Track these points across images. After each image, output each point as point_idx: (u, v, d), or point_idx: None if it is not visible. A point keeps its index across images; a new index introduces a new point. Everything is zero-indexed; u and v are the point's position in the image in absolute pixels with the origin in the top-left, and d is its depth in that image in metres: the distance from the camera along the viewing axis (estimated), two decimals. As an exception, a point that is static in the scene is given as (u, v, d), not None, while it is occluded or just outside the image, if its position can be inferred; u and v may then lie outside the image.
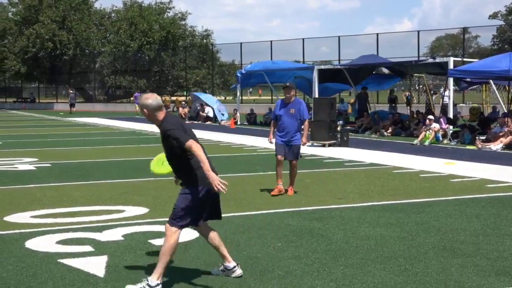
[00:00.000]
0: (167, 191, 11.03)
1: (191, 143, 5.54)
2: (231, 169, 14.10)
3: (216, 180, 5.46)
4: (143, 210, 9.42)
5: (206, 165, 5.50)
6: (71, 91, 56.51)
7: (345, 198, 10.40)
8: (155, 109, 5.71)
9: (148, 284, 5.53)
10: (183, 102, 43.60)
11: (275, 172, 11.09)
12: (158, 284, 5.54)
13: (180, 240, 7.25)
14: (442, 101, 29.27)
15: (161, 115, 5.72)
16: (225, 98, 62.72)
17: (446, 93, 30.74)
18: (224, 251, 6.07)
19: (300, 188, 11.39)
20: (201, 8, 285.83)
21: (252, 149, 19.09)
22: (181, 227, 5.65)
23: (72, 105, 53.21)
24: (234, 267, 6.03)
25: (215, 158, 17.14)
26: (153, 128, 30.19)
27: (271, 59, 48.26)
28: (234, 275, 6.01)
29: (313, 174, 13.51)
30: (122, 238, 7.59)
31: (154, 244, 7.31)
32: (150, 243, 7.35)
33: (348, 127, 25.24)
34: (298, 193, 10.89)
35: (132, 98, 54.07)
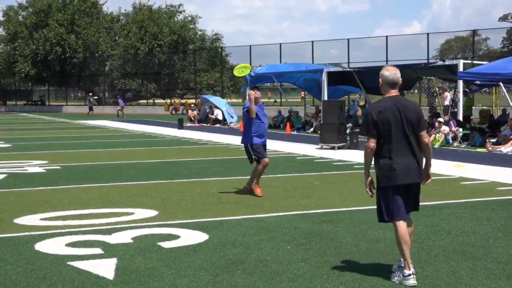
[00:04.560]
0: (176, 194, 11.01)
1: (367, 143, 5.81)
2: (240, 171, 14.03)
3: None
4: (152, 213, 9.39)
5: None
6: (89, 96, 57.34)
7: (354, 201, 10.31)
8: (386, 83, 5.90)
9: (402, 274, 5.78)
10: (193, 105, 43.49)
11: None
12: (409, 274, 5.75)
13: (190, 243, 7.23)
14: (452, 104, 29.17)
15: (391, 92, 5.89)
16: (224, 98, 61.32)
17: (447, 94, 30.55)
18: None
19: (310, 191, 11.35)
20: (210, 10, 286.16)
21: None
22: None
23: (90, 108, 54.44)
24: (409, 275, 5.82)
25: (224, 160, 17.18)
26: (164, 131, 30.23)
27: (280, 62, 48.00)
28: (406, 283, 5.78)
29: (322, 177, 13.48)
30: (132, 241, 7.55)
31: (163, 246, 7.27)
32: (160, 245, 7.31)
33: (357, 130, 25.07)
34: (308, 196, 10.83)
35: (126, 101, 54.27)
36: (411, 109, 5.86)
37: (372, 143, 5.78)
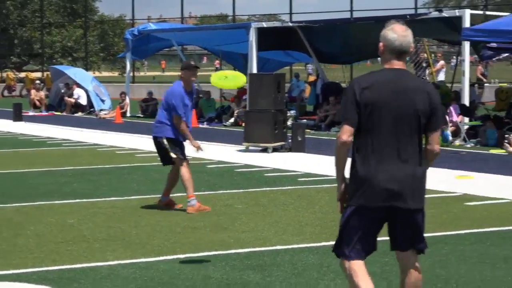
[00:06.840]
0: (10, 227, 8.24)
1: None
2: (114, 190, 10.93)
3: None
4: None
5: None
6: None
7: (298, 234, 8.25)
8: (390, 50, 4.71)
9: None
10: (38, 82, 33.48)
11: (178, 194, 9.34)
12: None
13: None
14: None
15: (393, 64, 4.74)
16: (89, 71, 39.80)
17: (443, 64, 26.10)
18: None
19: (227, 219, 8.95)
20: None
21: (151, 157, 14.19)
22: None
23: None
24: None
25: (90, 171, 13.59)
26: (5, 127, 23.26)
27: (181, 15, 38.22)
28: None
29: (247, 196, 10.80)
30: None
31: None
32: None
33: (305, 121, 20.91)
34: (225, 227, 8.55)
35: None
36: (420, 92, 4.73)
37: (346, 134, 4.60)
